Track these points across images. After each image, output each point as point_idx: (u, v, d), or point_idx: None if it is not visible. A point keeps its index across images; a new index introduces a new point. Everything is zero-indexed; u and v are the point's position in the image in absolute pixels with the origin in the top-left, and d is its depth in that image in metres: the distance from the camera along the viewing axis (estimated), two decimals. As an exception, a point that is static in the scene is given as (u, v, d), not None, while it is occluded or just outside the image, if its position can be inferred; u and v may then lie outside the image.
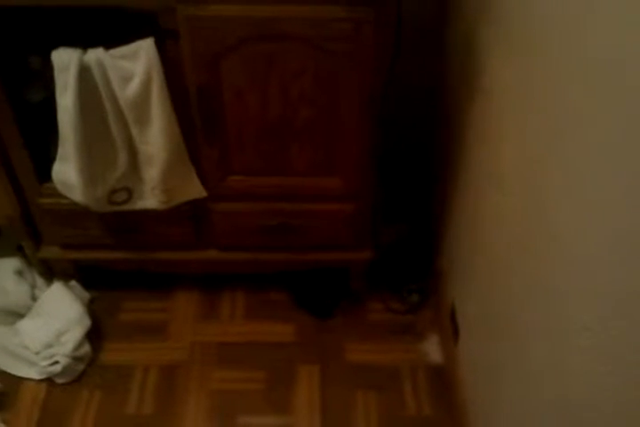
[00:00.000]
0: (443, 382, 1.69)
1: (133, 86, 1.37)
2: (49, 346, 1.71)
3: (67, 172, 1.53)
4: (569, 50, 0.96)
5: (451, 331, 1.64)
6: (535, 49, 1.09)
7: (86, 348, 1.73)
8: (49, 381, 1.70)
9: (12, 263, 1.87)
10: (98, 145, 1.47)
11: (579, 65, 0.92)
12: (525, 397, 1.16)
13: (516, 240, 1.20)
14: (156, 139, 1.45)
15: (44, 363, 1.70)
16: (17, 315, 1.81)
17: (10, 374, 1.71)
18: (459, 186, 1.59)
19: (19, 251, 1.88)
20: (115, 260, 1.79)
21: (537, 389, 1.11)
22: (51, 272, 1.87)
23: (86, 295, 1.85)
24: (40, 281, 1.88)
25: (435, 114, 1.85)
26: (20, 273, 1.86)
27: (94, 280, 1.89)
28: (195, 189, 1.59)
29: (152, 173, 1.52)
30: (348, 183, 1.56)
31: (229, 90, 1.39)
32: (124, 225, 1.69)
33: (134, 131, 1.45)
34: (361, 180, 1.55)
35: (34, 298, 1.84)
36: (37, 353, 1.71)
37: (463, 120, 1.53)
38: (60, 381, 1.71)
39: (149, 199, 1.59)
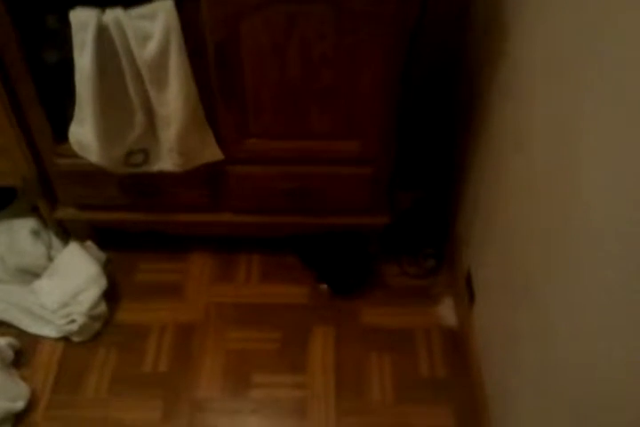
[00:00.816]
0: (456, 345, 1.71)
1: (152, 47, 1.35)
2: (66, 305, 1.73)
3: (83, 133, 1.52)
4: (604, 7, 0.93)
5: (466, 296, 1.65)
6: (568, 7, 1.07)
7: (102, 307, 1.75)
8: (66, 339, 1.73)
9: (28, 224, 1.88)
10: (115, 106, 1.45)
11: (613, 23, 0.90)
12: (542, 360, 1.18)
13: (538, 205, 1.20)
14: (173, 100, 1.43)
15: (61, 322, 1.72)
16: (33, 275, 1.83)
17: (27, 333, 1.73)
18: (479, 149, 1.58)
19: (34, 212, 1.89)
20: (131, 221, 1.79)
21: (554, 352, 1.12)
22: (67, 233, 1.88)
23: (102, 256, 1.86)
24: (56, 242, 1.89)
25: (457, 77, 1.82)
26: (36, 233, 1.87)
27: (110, 241, 1.90)
28: (212, 152, 1.58)
29: (169, 134, 1.51)
30: (367, 147, 1.54)
31: (249, 51, 1.37)
32: (141, 187, 1.68)
33: (152, 92, 1.43)
34: (380, 143, 1.54)
35: (50, 258, 1.85)
36: (54, 312, 1.73)
37: (487, 80, 1.51)
38: (76, 339, 1.73)
39: (166, 162, 1.59)
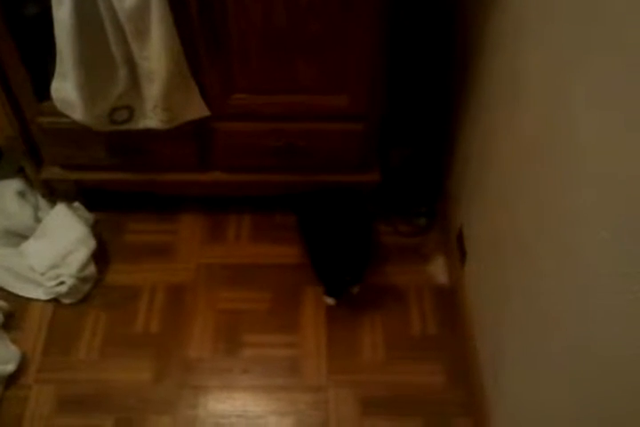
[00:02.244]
0: (448, 303, 1.69)
1: (132, -4, 1.30)
2: (54, 267, 1.71)
3: (66, 89, 1.48)
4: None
5: (458, 254, 1.63)
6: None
7: (92, 268, 1.73)
8: (55, 301, 1.71)
9: (14, 185, 1.84)
10: (97, 60, 1.41)
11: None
12: (531, 315, 1.16)
13: (529, 157, 1.16)
14: (156, 53, 1.39)
15: (50, 283, 1.70)
16: (21, 237, 1.80)
17: (17, 295, 1.72)
18: (473, 103, 1.54)
19: (20, 173, 1.86)
20: (118, 181, 1.76)
21: (545, 308, 1.10)
22: (53, 194, 1.85)
23: (90, 217, 1.84)
24: (43, 203, 1.86)
25: (448, 29, 1.77)
26: (22, 195, 1.84)
27: (98, 202, 1.87)
28: (197, 108, 1.54)
29: (153, 89, 1.47)
30: (357, 101, 1.50)
31: (232, -1, 1.32)
32: (127, 146, 1.65)
33: (133, 45, 1.39)
34: (370, 98, 1.50)
35: (37, 220, 1.83)
36: (43, 274, 1.71)
37: (480, 30, 1.46)
38: (66, 301, 1.71)
39: (151, 118, 1.55)
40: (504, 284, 1.32)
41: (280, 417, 1.52)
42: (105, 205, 1.88)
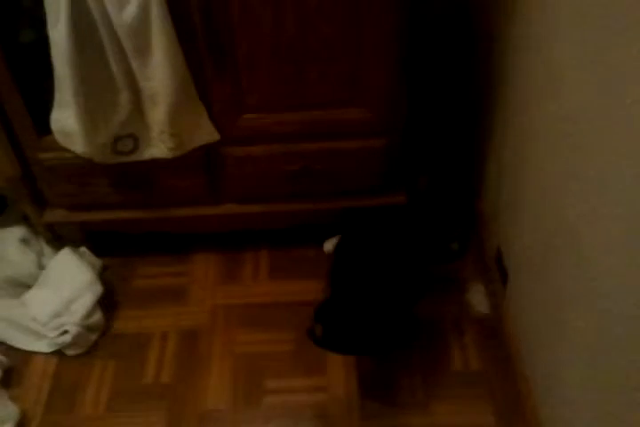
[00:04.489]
0: (490, 333, 1.53)
1: (130, 9, 1.23)
2: (57, 315, 1.58)
3: (66, 118, 1.41)
4: None
5: (498, 275, 1.48)
6: None
7: (98, 316, 1.60)
8: (59, 354, 1.58)
9: (18, 232, 1.75)
10: (97, 84, 1.34)
11: None
12: (596, 333, 1.00)
13: (571, 157, 1.04)
14: (159, 72, 1.31)
15: (53, 334, 1.57)
16: (24, 286, 1.69)
17: (18, 349, 1.58)
18: (502, 116, 1.43)
19: (25, 221, 1.76)
20: (125, 221, 1.65)
21: (607, 322, 0.94)
22: (59, 239, 1.74)
23: (98, 262, 1.72)
24: (48, 250, 1.75)
25: (470, 33, 1.67)
26: (25, 242, 1.74)
27: (106, 247, 1.76)
28: (206, 132, 1.44)
29: (158, 113, 1.38)
30: (376, 114, 1.40)
31: (238, 6, 1.24)
32: (133, 180, 1.55)
33: (134, 63, 1.31)
34: (390, 109, 1.40)
35: (41, 267, 1.71)
36: (45, 324, 1.58)
37: (504, 32, 1.37)
38: (70, 353, 1.57)
39: (157, 147, 1.46)
40: (556, 299, 1.16)
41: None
42: (114, 250, 1.77)
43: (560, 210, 1.11)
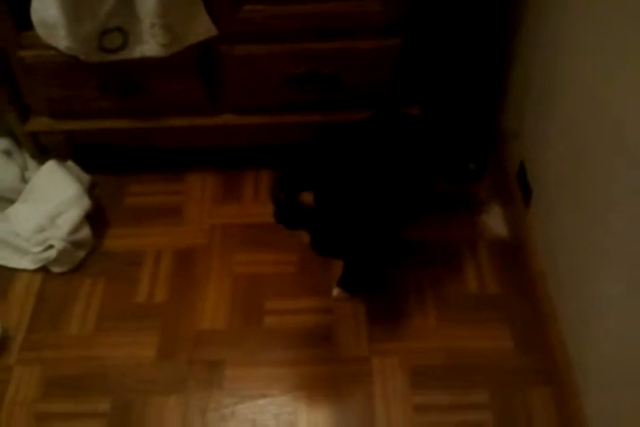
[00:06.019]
0: (509, 256, 1.43)
1: None
2: (42, 230, 1.47)
3: (47, 8, 1.27)
4: None
5: (520, 194, 1.35)
6: None
7: (86, 231, 1.49)
8: (45, 271, 1.47)
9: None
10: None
11: None
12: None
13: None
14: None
15: (37, 249, 1.46)
16: (7, 201, 1.58)
17: (1, 266, 1.48)
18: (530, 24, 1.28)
19: (8, 134, 1.63)
20: (115, 131, 1.52)
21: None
22: (44, 152, 1.61)
23: (86, 177, 1.60)
24: (32, 163, 1.63)
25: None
26: (8, 153, 1.62)
27: (96, 164, 1.63)
28: (202, 26, 1.30)
29: (148, 1, 1.23)
30: (392, 8, 1.25)
31: None
32: (123, 82, 1.41)
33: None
34: (407, 4, 1.25)
35: (25, 181, 1.60)
36: (29, 239, 1.47)
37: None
38: (56, 270, 1.47)
39: (148, 43, 1.32)
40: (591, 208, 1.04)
41: (311, 393, 1.24)
42: (103, 167, 1.64)
43: (603, 104, 0.98)
